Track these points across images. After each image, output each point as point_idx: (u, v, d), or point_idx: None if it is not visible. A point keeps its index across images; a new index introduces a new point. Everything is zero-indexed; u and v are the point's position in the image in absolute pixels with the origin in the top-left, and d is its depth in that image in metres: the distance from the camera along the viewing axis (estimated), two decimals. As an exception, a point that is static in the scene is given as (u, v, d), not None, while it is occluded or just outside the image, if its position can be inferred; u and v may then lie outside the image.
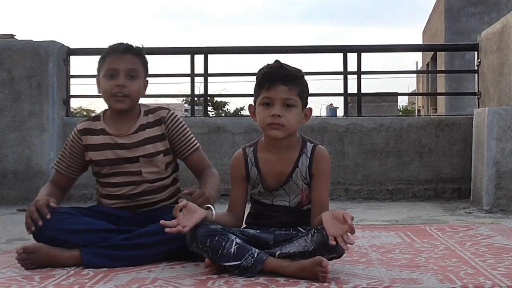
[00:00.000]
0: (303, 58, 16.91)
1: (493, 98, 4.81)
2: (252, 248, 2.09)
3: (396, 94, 15.25)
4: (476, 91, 5.27)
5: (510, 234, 2.94)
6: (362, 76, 5.28)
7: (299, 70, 2.24)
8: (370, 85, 32.62)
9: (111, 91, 2.45)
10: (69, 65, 5.19)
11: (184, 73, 5.44)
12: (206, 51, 5.38)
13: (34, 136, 4.88)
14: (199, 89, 5.79)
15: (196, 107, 6.20)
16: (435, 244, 2.67)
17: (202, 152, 2.59)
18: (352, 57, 5.25)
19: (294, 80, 2.20)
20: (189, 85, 5.42)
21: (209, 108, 24.38)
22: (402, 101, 30.27)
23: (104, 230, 2.35)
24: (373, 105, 17.77)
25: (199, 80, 5.45)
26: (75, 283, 2.03)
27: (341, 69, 5.33)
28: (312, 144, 2.28)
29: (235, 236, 2.13)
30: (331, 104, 20.99)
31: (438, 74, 15.50)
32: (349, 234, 1.98)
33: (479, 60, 5.17)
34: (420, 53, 19.00)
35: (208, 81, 5.39)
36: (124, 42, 2.52)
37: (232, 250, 2.07)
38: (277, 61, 2.23)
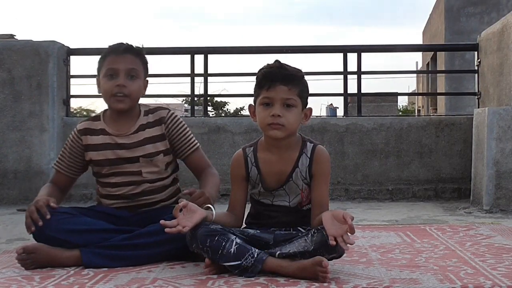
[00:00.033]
0: (303, 58, 16.92)
1: (493, 98, 4.81)
2: (252, 248, 2.09)
3: (396, 94, 15.25)
4: (476, 91, 5.27)
5: (510, 234, 2.94)
6: (362, 76, 5.28)
7: (299, 70, 2.24)
8: (370, 85, 32.65)
9: (111, 91, 2.45)
10: (69, 65, 5.19)
11: (184, 73, 5.44)
12: (206, 51, 5.38)
13: (34, 136, 4.88)
14: (199, 89, 5.79)
15: (196, 107, 6.20)
16: (435, 244, 2.67)
17: (202, 152, 2.59)
18: (352, 57, 5.26)
19: (294, 80, 2.20)
20: (189, 85, 5.42)
21: (209, 108, 24.38)
22: (402, 101, 30.30)
23: (104, 230, 2.35)
24: (373, 105, 17.78)
25: (199, 80, 5.45)
26: (75, 283, 2.03)
27: (341, 69, 5.33)
28: (312, 144, 2.28)
29: (235, 236, 2.13)
30: (331, 104, 21.00)
31: (438, 74, 15.50)
32: (349, 234, 1.98)
33: (479, 60, 5.17)
34: (420, 53, 19.01)
35: (208, 81, 5.39)
36: (124, 42, 2.52)
37: (232, 250, 2.07)
38: (277, 61, 2.23)
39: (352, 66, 5.28)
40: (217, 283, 2.00)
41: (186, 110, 24.05)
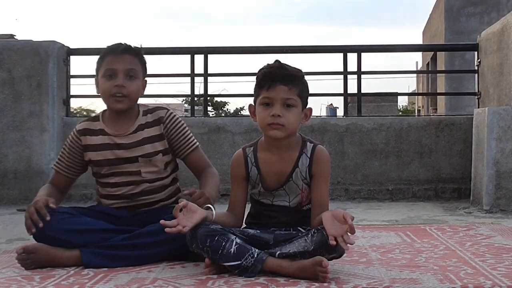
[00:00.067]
0: (303, 58, 16.90)
1: (493, 98, 4.81)
2: (252, 248, 2.09)
3: (396, 94, 15.25)
4: (476, 91, 5.27)
5: (510, 234, 2.94)
6: (362, 76, 5.28)
7: (299, 70, 2.24)
8: (370, 85, 32.62)
9: (110, 92, 2.45)
10: (69, 65, 5.19)
11: (184, 73, 5.44)
12: (206, 51, 5.38)
13: (34, 136, 4.88)
14: (199, 89, 5.79)
15: (196, 107, 6.20)
16: (435, 244, 2.67)
17: (201, 152, 2.58)
18: (352, 57, 5.26)
19: (294, 80, 2.20)
20: (189, 85, 5.42)
21: (209, 108, 24.38)
22: (402, 101, 30.31)
23: (104, 230, 2.35)
24: (373, 105, 17.77)
25: (199, 80, 5.45)
26: (75, 283, 2.03)
27: (341, 69, 5.33)
28: (312, 144, 2.28)
29: (235, 236, 2.13)
30: (331, 104, 21.01)
31: (438, 74, 15.50)
32: (349, 234, 1.98)
33: (479, 60, 5.17)
34: (420, 53, 19.01)
35: (208, 81, 5.39)
36: (122, 43, 2.52)
37: (232, 250, 2.07)
38: (277, 61, 2.23)
39: (352, 66, 5.29)
40: (217, 283, 2.00)
41: (186, 110, 24.05)
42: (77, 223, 2.33)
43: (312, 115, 2.30)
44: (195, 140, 2.57)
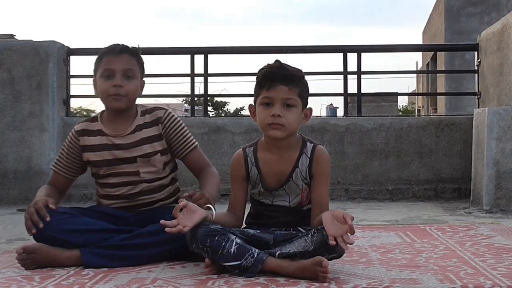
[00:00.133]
0: (303, 58, 16.93)
1: (493, 98, 4.81)
2: (252, 248, 2.09)
3: (396, 94, 15.25)
4: (476, 91, 5.27)
5: (510, 234, 2.94)
6: (362, 76, 5.28)
7: (299, 70, 2.24)
8: (370, 85, 32.66)
9: (108, 92, 2.45)
10: (69, 65, 5.19)
11: (184, 73, 5.44)
12: (206, 51, 5.38)
13: (34, 136, 4.88)
14: (199, 89, 5.79)
15: (196, 107, 6.20)
16: (435, 244, 2.67)
17: (200, 151, 2.58)
18: (352, 57, 5.26)
19: (295, 80, 2.20)
20: (189, 85, 5.42)
21: (209, 108, 24.38)
22: (402, 101, 30.31)
23: (104, 230, 2.35)
24: (373, 105, 17.78)
25: (199, 80, 5.46)
26: (75, 283, 2.03)
27: (341, 69, 5.33)
28: (312, 144, 2.28)
29: (235, 236, 2.13)
30: (331, 104, 21.01)
31: (438, 74, 15.50)
32: (349, 234, 1.98)
33: (479, 60, 5.17)
34: (420, 53, 19.01)
35: (208, 81, 5.39)
36: (120, 43, 2.52)
37: (232, 250, 2.07)
38: (277, 61, 2.23)
39: (352, 66, 5.29)
40: (217, 283, 2.00)
41: (186, 110, 24.05)
42: (77, 223, 2.33)
43: (312, 115, 2.30)
44: (194, 140, 2.57)
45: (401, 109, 27.90)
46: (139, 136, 2.49)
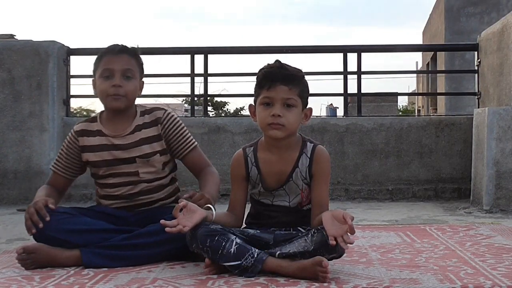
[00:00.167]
0: (303, 58, 16.94)
1: (493, 98, 4.81)
2: (252, 248, 2.09)
3: (396, 94, 15.25)
4: (476, 91, 5.27)
5: (510, 234, 2.94)
6: (362, 76, 5.28)
7: (300, 70, 2.24)
8: (370, 85, 32.65)
9: (107, 92, 2.45)
10: (69, 65, 5.19)
11: (184, 73, 5.44)
12: (206, 51, 5.38)
13: (34, 136, 4.88)
14: (199, 89, 5.80)
15: (196, 107, 6.20)
16: (435, 244, 2.67)
17: (200, 151, 2.58)
18: (352, 57, 5.26)
19: (295, 80, 2.20)
20: (189, 85, 5.42)
21: (209, 108, 24.38)
22: (402, 101, 30.32)
23: (104, 230, 2.35)
24: (373, 105, 17.78)
25: (199, 80, 5.46)
26: (75, 283, 2.03)
27: (341, 69, 5.33)
28: (312, 144, 2.28)
29: (235, 236, 2.13)
30: (331, 104, 21.01)
31: (438, 74, 15.50)
32: (349, 234, 1.98)
33: (479, 60, 5.17)
34: (420, 53, 19.01)
35: (208, 81, 5.39)
36: (119, 43, 2.52)
37: (232, 250, 2.07)
38: (277, 61, 2.23)
39: (352, 66, 5.29)
40: (217, 283, 2.00)
41: (186, 110, 24.06)
42: (77, 223, 2.33)
43: (312, 115, 2.30)
44: (194, 140, 2.57)
45: (401, 109, 27.91)
46: (138, 137, 2.49)
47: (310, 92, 2.29)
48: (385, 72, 6.19)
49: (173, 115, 2.56)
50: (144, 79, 2.61)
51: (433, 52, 15.70)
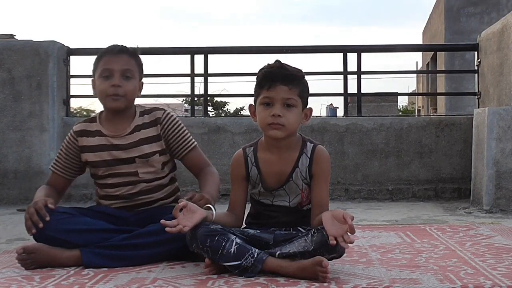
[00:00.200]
0: (303, 58, 16.91)
1: (493, 98, 4.81)
2: (252, 248, 2.09)
3: (396, 94, 15.25)
4: (476, 91, 5.27)
5: (510, 234, 2.94)
6: (362, 76, 5.28)
7: (300, 70, 2.24)
8: (370, 85, 32.63)
9: (106, 92, 2.45)
10: (69, 65, 5.20)
11: (184, 73, 5.45)
12: (206, 51, 5.38)
13: (34, 136, 4.88)
14: (199, 89, 5.80)
15: (196, 107, 6.21)
16: (435, 244, 2.67)
17: (199, 151, 2.58)
18: (352, 57, 5.26)
19: (295, 80, 2.20)
20: (189, 85, 5.42)
21: (209, 108, 24.38)
22: (402, 101, 30.32)
23: (104, 230, 2.35)
24: (373, 105, 17.79)
25: (199, 80, 5.46)
26: (75, 283, 2.03)
27: (341, 69, 5.33)
28: (312, 144, 2.28)
29: (235, 236, 2.13)
30: (331, 104, 21.01)
31: (438, 74, 15.50)
32: (349, 234, 1.98)
33: (479, 60, 5.17)
34: (420, 53, 19.01)
35: (208, 81, 5.39)
36: (119, 44, 2.52)
37: (232, 250, 2.07)
38: (277, 61, 2.23)
39: (352, 66, 5.29)
40: (217, 283, 2.00)
41: (186, 110, 24.05)
42: (77, 223, 2.33)
43: (312, 115, 2.30)
44: (193, 140, 2.57)
45: (401, 109, 27.91)
46: (137, 137, 2.49)
47: (310, 92, 2.29)
48: (385, 72, 6.19)
49: (172, 115, 2.56)
50: (144, 79, 2.61)
51: (433, 52, 15.70)
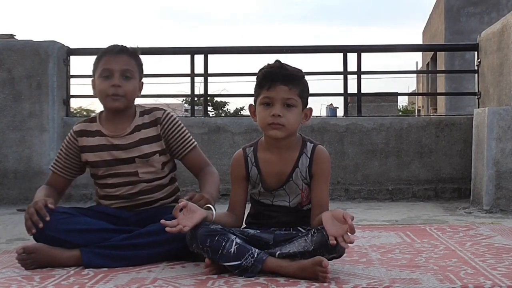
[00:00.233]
0: (303, 58, 16.92)
1: (493, 98, 4.81)
2: (252, 248, 2.09)
3: (396, 94, 15.26)
4: (476, 91, 5.27)
5: (510, 234, 2.94)
6: (362, 76, 5.28)
7: (300, 70, 2.24)
8: (370, 85, 32.62)
9: (106, 92, 2.45)
10: (69, 65, 5.20)
11: (184, 73, 5.44)
12: (206, 51, 5.38)
13: (34, 136, 4.88)
14: (199, 89, 5.80)
15: (196, 107, 6.20)
16: (435, 244, 2.67)
17: (199, 151, 2.58)
18: (352, 57, 5.26)
19: (295, 80, 2.20)
20: (189, 85, 5.42)
21: (209, 108, 24.38)
22: (402, 101, 30.32)
23: (104, 230, 2.35)
24: (373, 105, 17.79)
25: (199, 80, 5.46)
26: (75, 283, 2.03)
27: (341, 69, 5.33)
28: (312, 144, 2.28)
29: (235, 236, 2.13)
30: (331, 104, 21.01)
31: (438, 74, 15.50)
32: (349, 234, 1.98)
33: (479, 60, 5.17)
34: (420, 53, 19.01)
35: (208, 81, 5.39)
36: (119, 44, 2.52)
37: (232, 250, 2.07)
38: (277, 61, 2.23)
39: (352, 66, 5.29)
40: (217, 283, 2.00)
41: (186, 110, 24.06)
42: (77, 223, 2.33)
43: (312, 115, 2.30)
44: (193, 140, 2.57)
45: (401, 109, 27.91)
46: (137, 137, 2.49)
47: (310, 92, 2.29)
48: (385, 72, 6.19)
49: (172, 115, 2.56)
50: (144, 79, 2.61)
51: (433, 52, 15.70)
